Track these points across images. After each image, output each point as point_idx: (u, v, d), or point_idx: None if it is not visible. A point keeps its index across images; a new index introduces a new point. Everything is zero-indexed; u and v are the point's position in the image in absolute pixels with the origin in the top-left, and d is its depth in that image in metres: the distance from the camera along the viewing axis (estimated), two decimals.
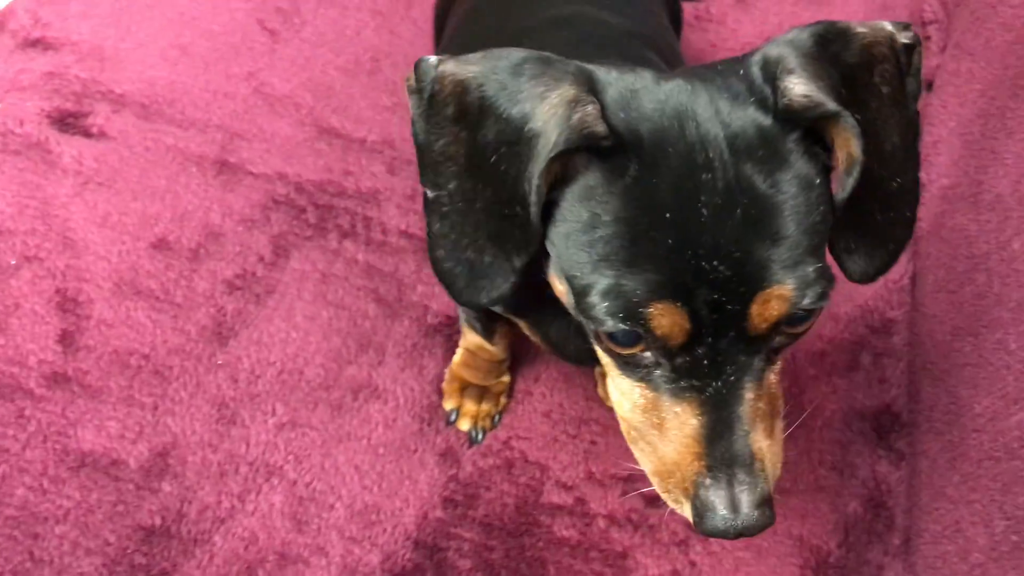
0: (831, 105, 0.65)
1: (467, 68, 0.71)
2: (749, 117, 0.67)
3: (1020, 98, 1.35)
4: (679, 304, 0.66)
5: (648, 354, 0.71)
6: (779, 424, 0.76)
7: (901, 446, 1.31)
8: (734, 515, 0.70)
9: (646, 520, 1.23)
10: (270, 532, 1.18)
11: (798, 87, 0.66)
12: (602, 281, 0.67)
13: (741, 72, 0.69)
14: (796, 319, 0.69)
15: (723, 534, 0.72)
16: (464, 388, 1.29)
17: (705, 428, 0.71)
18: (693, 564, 1.20)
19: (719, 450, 0.70)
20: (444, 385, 1.31)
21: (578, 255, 0.69)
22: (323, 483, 1.22)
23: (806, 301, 0.67)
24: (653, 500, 1.24)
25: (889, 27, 0.71)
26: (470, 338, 1.26)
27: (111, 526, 1.17)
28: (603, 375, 1.25)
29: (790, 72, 0.66)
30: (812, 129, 0.69)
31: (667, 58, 1.11)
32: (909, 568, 1.21)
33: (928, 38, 1.84)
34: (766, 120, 0.67)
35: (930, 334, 1.34)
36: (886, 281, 1.45)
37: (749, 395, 0.70)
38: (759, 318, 0.67)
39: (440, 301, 1.38)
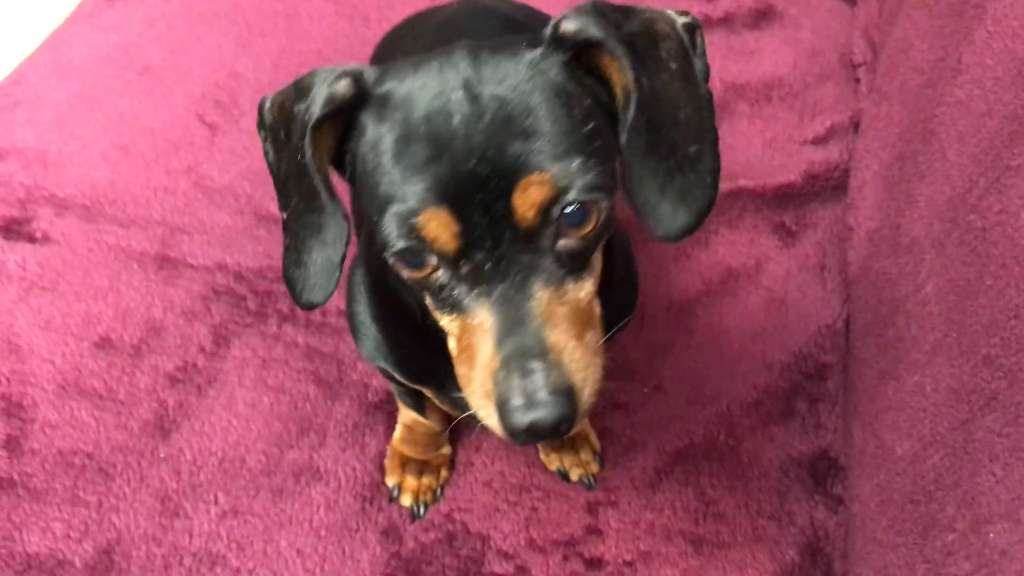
0: (597, 32, 0.74)
1: (282, 91, 0.81)
2: (513, 53, 0.75)
3: (930, 141, 1.38)
4: (445, 207, 0.71)
5: (440, 273, 0.76)
6: (591, 334, 0.78)
7: (838, 491, 1.32)
8: (528, 404, 0.71)
9: None
10: None
11: (570, 22, 0.75)
12: (385, 208, 0.73)
13: (531, 37, 0.78)
14: (573, 217, 0.74)
15: (521, 429, 0.72)
16: (405, 463, 1.32)
17: (497, 327, 0.73)
18: None
19: (510, 344, 0.72)
20: (385, 461, 1.34)
21: (372, 200, 0.76)
22: (266, 569, 1.24)
23: (572, 193, 0.72)
24: (593, 562, 1.26)
25: (669, 12, 0.79)
26: (406, 413, 1.28)
27: None
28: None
29: (567, 17, 0.75)
30: (591, 69, 0.77)
31: None
32: None
33: (858, 80, 1.89)
34: (532, 53, 0.75)
35: (860, 377, 1.36)
36: (819, 326, 1.48)
37: (541, 294, 0.74)
38: (523, 206, 0.71)
39: (380, 378, 1.41)
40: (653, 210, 0.77)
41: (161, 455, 1.32)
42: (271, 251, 1.54)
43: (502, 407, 0.72)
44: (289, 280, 0.84)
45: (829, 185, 1.68)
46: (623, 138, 0.75)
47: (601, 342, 0.79)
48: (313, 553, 1.25)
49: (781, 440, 1.36)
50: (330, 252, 0.80)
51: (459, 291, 0.76)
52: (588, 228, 0.75)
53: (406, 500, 1.30)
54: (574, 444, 1.33)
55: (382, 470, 1.33)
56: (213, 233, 1.56)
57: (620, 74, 0.75)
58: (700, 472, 1.33)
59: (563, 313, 0.75)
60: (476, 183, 0.71)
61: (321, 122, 0.76)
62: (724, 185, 1.66)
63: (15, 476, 1.30)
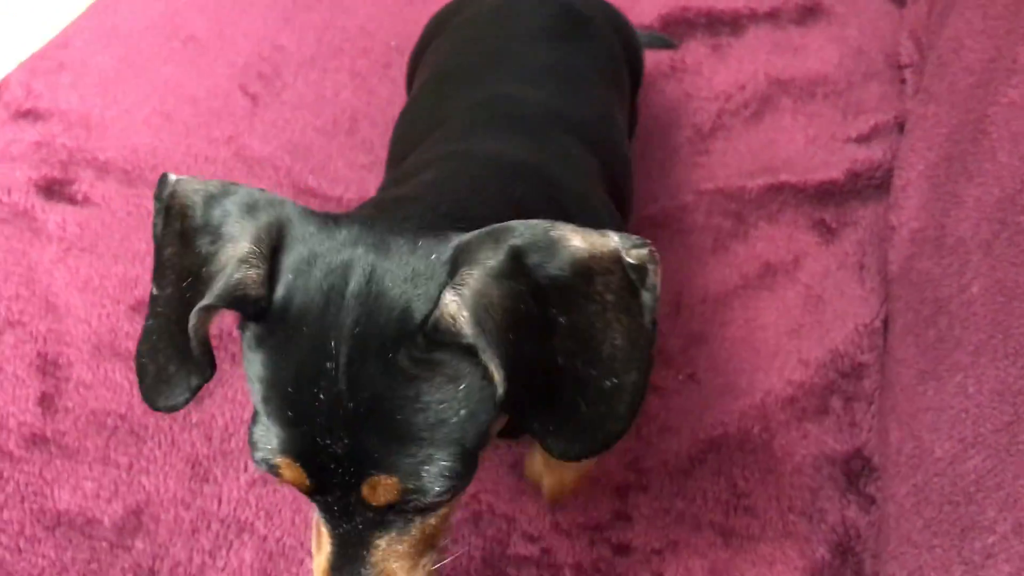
0: (470, 336, 0.65)
1: (194, 193, 0.74)
2: (398, 317, 0.68)
3: (980, 142, 1.37)
4: (299, 464, 0.71)
5: None
6: (430, 558, 0.80)
7: (871, 491, 1.31)
8: None
9: (613, 569, 1.23)
10: None
11: (448, 309, 0.66)
12: (253, 427, 0.73)
13: (433, 257, 0.70)
14: (426, 504, 0.73)
15: None
16: None
17: (332, 558, 0.77)
18: None
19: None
20: None
21: (251, 389, 0.74)
22: (293, 538, 1.24)
23: (421, 496, 0.71)
24: (621, 548, 1.25)
25: (614, 243, 0.70)
26: None
27: None
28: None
29: (457, 288, 0.66)
30: None
31: (597, 146, 1.15)
32: None
33: (903, 81, 1.87)
34: (412, 324, 0.68)
35: (898, 377, 1.34)
36: (857, 325, 1.46)
37: (379, 542, 0.75)
38: (371, 498, 0.72)
39: None
40: (547, 436, 0.74)
41: (193, 420, 1.32)
42: None
43: None
44: (138, 367, 0.79)
45: (871, 184, 1.66)
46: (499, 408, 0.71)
47: (435, 565, 0.81)
48: None
49: (815, 437, 1.35)
50: (190, 380, 0.77)
51: (313, 503, 0.77)
52: (442, 501, 0.75)
53: None
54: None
55: None
56: None
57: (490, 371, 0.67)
58: (733, 463, 1.32)
59: (401, 551, 0.77)
60: (331, 456, 0.70)
61: (214, 307, 0.70)
62: (764, 179, 1.65)
63: (48, 433, 1.31)
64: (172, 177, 0.76)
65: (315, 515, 0.80)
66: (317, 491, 0.73)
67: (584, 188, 1.07)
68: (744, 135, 1.76)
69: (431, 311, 0.67)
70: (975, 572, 1.03)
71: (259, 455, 0.73)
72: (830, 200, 1.64)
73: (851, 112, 1.80)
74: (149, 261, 1.48)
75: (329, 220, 0.73)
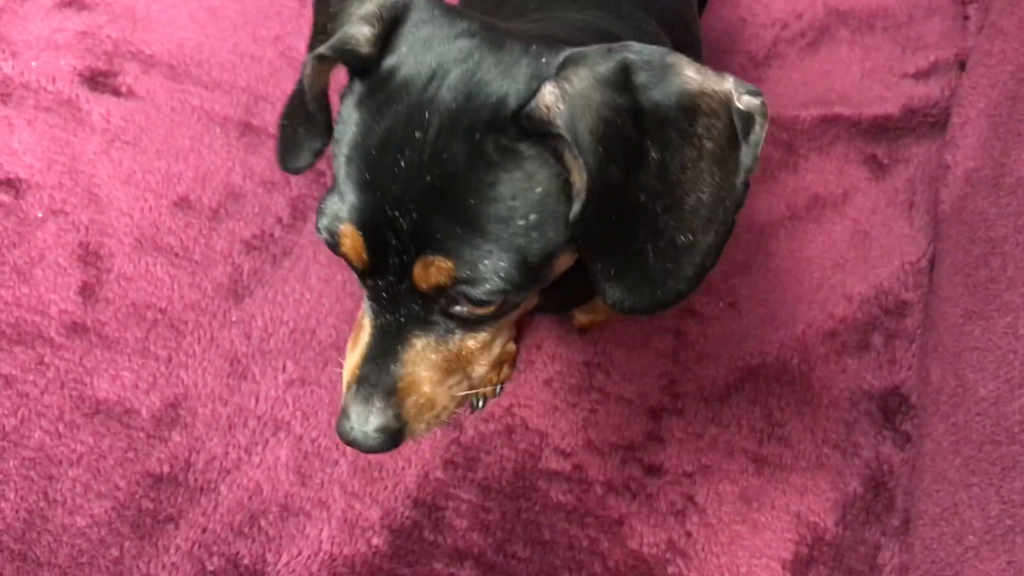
0: (561, 128, 0.65)
1: None
2: (494, 103, 0.68)
3: None
4: (362, 234, 0.71)
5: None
6: (460, 382, 0.79)
7: (907, 428, 1.30)
8: (352, 426, 0.76)
9: (644, 489, 1.24)
10: (274, 484, 1.21)
11: (545, 99, 0.65)
12: (326, 197, 0.73)
13: (543, 60, 0.69)
14: (471, 299, 0.72)
15: (344, 439, 0.77)
16: None
17: (368, 347, 0.76)
18: (689, 534, 1.21)
19: (368, 369, 0.76)
20: None
21: (335, 158, 0.74)
22: (328, 440, 1.25)
23: (469, 287, 0.70)
24: (652, 469, 1.25)
25: (729, 84, 0.68)
26: None
27: (121, 471, 1.21)
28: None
29: (560, 82, 0.65)
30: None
31: (674, 29, 1.11)
32: (906, 549, 1.20)
33: (967, 18, 1.81)
34: (507, 111, 0.67)
35: (943, 316, 1.32)
36: (903, 263, 1.44)
37: (416, 341, 0.75)
38: (420, 278, 0.71)
39: None
40: (607, 282, 0.71)
41: (233, 318, 1.33)
42: None
43: (342, 411, 0.78)
44: (281, 129, 0.83)
45: (927, 121, 1.62)
46: (573, 228, 0.69)
47: (463, 392, 0.80)
48: None
49: (854, 372, 1.34)
50: (312, 143, 0.79)
51: (364, 289, 0.76)
52: (487, 310, 0.74)
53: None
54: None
55: None
56: None
57: (574, 170, 0.67)
58: (769, 393, 1.31)
59: (433, 361, 0.76)
60: (394, 231, 0.69)
61: (326, 58, 0.72)
62: (818, 110, 1.61)
63: (88, 323, 1.31)
64: None
65: (360, 312, 0.79)
66: (371, 271, 0.73)
67: None
68: (799, 65, 1.71)
69: (528, 102, 0.66)
70: (1013, 511, 1.03)
71: (324, 221, 0.72)
72: (883, 135, 1.60)
73: (910, 47, 1.74)
74: (193, 158, 1.47)
75: (453, 12, 0.73)
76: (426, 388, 0.77)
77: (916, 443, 1.28)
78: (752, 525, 1.22)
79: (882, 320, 1.39)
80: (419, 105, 0.68)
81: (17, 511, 1.18)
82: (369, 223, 0.70)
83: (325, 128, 0.77)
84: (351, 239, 0.71)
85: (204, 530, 1.17)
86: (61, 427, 1.23)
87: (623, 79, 0.65)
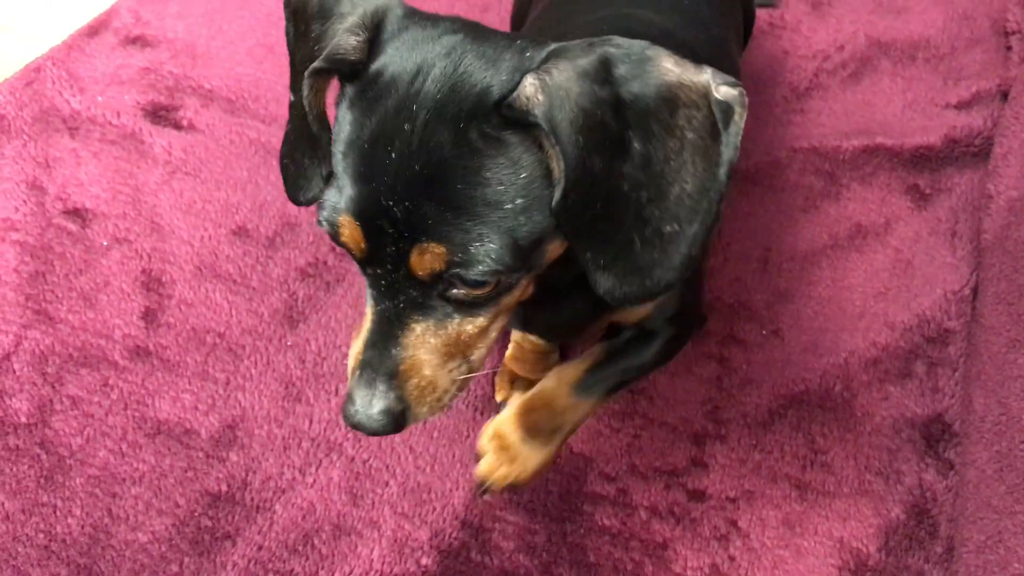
0: (539, 117, 0.67)
1: None
2: (478, 93, 0.71)
3: None
4: (359, 224, 0.74)
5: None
6: (459, 366, 0.82)
7: (951, 456, 1.30)
8: (357, 409, 0.79)
9: (688, 514, 1.26)
10: (327, 504, 1.24)
11: (526, 90, 0.68)
12: (327, 192, 0.77)
13: (527, 55, 0.72)
14: (468, 282, 0.75)
15: (350, 422, 0.80)
16: (514, 380, 1.34)
17: (370, 333, 0.79)
18: (732, 559, 1.22)
19: (371, 354, 0.79)
20: (496, 378, 1.36)
21: (333, 156, 0.77)
22: (379, 461, 1.28)
23: (465, 270, 0.73)
24: (696, 494, 1.27)
25: (706, 75, 0.70)
26: (516, 331, 1.30)
27: (181, 490, 1.25)
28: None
29: (540, 74, 0.68)
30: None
31: (704, 59, 1.14)
32: None
33: (1010, 48, 1.82)
34: (490, 100, 0.70)
35: (986, 345, 1.33)
36: (945, 291, 1.45)
37: (415, 326, 0.78)
38: (416, 264, 0.74)
39: None
40: (598, 271, 0.74)
41: (288, 343, 1.37)
42: None
43: (347, 396, 0.81)
44: (283, 169, 0.86)
45: (969, 151, 1.63)
46: (556, 215, 0.72)
47: (463, 375, 0.82)
48: (424, 452, 1.29)
49: (896, 400, 1.35)
50: (321, 169, 0.81)
51: (365, 278, 0.79)
52: (483, 291, 0.77)
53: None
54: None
55: (494, 385, 1.36)
56: None
57: (554, 158, 0.70)
58: (812, 420, 1.33)
59: (433, 344, 0.79)
60: (390, 220, 0.72)
61: (321, 71, 0.76)
62: (860, 140, 1.63)
63: (151, 347, 1.37)
64: None
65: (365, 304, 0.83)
66: (369, 259, 0.76)
67: None
68: (840, 96, 1.74)
69: (510, 92, 0.70)
70: None
71: (324, 214, 0.76)
72: (925, 165, 1.61)
73: (952, 78, 1.76)
74: (250, 188, 1.53)
75: (432, 16, 0.78)
76: (427, 371, 0.79)
77: (959, 471, 1.28)
78: (795, 550, 1.23)
79: (924, 348, 1.40)
80: (406, 99, 0.72)
81: (83, 527, 1.23)
82: (365, 213, 0.73)
83: (329, 150, 0.80)
84: (349, 229, 0.75)
85: (260, 548, 1.21)
86: (124, 447, 1.29)
87: (603, 72, 0.68)
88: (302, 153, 0.83)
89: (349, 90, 0.76)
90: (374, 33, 0.76)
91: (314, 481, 1.27)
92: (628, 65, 0.69)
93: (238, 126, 1.59)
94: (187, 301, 1.41)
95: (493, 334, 0.84)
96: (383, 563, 1.20)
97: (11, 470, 1.27)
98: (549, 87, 0.67)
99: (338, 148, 0.76)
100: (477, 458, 1.11)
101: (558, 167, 0.69)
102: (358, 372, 0.80)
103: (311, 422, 1.31)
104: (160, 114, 1.61)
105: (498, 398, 1.35)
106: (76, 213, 1.49)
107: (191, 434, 1.30)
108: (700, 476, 1.29)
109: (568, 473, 1.29)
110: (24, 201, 1.50)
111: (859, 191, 1.58)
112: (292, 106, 0.84)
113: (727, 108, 0.70)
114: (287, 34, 0.84)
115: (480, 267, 0.72)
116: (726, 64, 1.25)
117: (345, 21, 0.76)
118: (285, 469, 1.28)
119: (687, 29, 1.18)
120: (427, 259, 0.73)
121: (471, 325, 0.80)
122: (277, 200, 1.51)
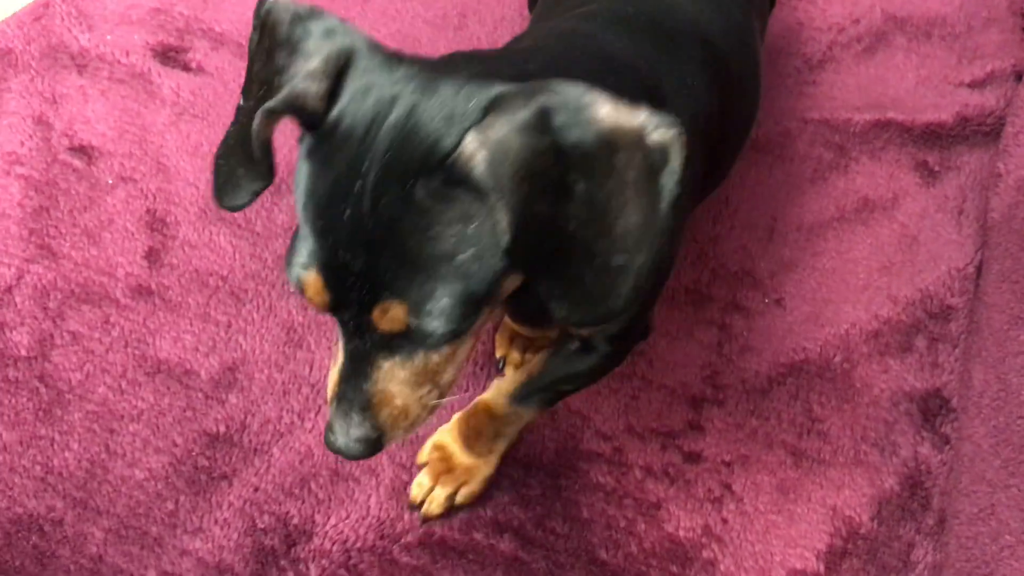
0: (481, 177, 0.69)
1: (284, 12, 0.79)
2: (425, 150, 0.71)
3: None
4: (321, 277, 0.75)
5: None
6: (429, 392, 0.85)
7: (947, 431, 1.31)
8: (335, 437, 0.84)
9: (683, 475, 1.26)
10: (325, 449, 1.25)
11: (469, 146, 0.69)
12: (291, 244, 0.78)
13: (471, 104, 0.72)
14: (428, 336, 0.77)
15: (328, 446, 0.86)
16: (513, 339, 1.34)
17: (343, 369, 0.82)
18: (725, 521, 1.23)
19: (345, 388, 0.83)
20: (496, 335, 1.36)
21: (296, 203, 0.79)
22: None
23: (427, 329, 0.75)
24: (691, 456, 1.28)
25: (639, 120, 0.71)
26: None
27: (179, 429, 1.26)
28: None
29: (481, 131, 0.69)
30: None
31: (724, 51, 1.14)
32: (940, 548, 1.22)
33: None
34: (436, 158, 0.71)
35: (988, 322, 1.33)
36: (950, 268, 1.45)
37: (383, 363, 0.81)
38: (380, 322, 0.76)
39: None
40: (551, 299, 0.76)
41: (291, 289, 1.37)
42: None
43: (327, 424, 0.86)
44: (216, 168, 0.85)
45: (980, 130, 1.63)
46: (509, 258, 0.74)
47: (442, 395, 0.86)
48: None
49: (896, 373, 1.35)
50: (253, 185, 0.83)
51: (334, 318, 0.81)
52: (442, 341, 0.79)
53: (510, 371, 1.33)
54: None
55: (494, 342, 1.36)
56: None
57: (500, 211, 0.71)
58: (811, 389, 1.33)
59: (402, 376, 0.82)
60: (350, 275, 0.74)
61: (276, 112, 0.75)
62: (871, 115, 1.63)
63: (153, 286, 1.36)
64: (271, 3, 0.81)
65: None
66: (334, 307, 0.77)
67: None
68: (854, 69, 1.73)
69: (455, 149, 0.70)
70: None
71: (292, 271, 0.78)
72: (936, 142, 1.61)
73: (967, 56, 1.75)
74: None
75: (393, 59, 0.77)
76: (398, 401, 0.83)
77: (955, 445, 1.29)
78: (788, 516, 1.24)
79: (926, 323, 1.40)
80: (358, 155, 0.72)
81: (80, 461, 1.23)
82: (326, 267, 0.75)
83: (267, 171, 0.82)
84: (313, 283, 0.76)
85: (256, 489, 1.22)
86: (124, 384, 1.29)
87: (542, 123, 0.69)
88: (237, 161, 0.83)
89: (308, 138, 0.77)
90: (336, 80, 0.76)
91: (312, 427, 1.27)
92: (566, 114, 0.69)
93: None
94: (191, 243, 1.40)
95: (462, 356, 0.86)
96: (380, 509, 1.21)
97: (10, 402, 1.27)
98: (490, 143, 0.68)
99: (299, 195, 0.77)
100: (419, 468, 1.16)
101: (504, 219, 0.70)
102: (335, 403, 0.84)
103: (311, 368, 1.31)
104: (169, 55, 1.60)
105: (497, 355, 1.35)
106: (82, 150, 1.49)
107: (191, 375, 1.30)
108: (696, 439, 1.29)
109: (564, 431, 1.30)
110: (30, 136, 1.49)
111: (868, 165, 1.58)
112: (239, 111, 0.84)
113: (662, 149, 0.71)
114: (250, 41, 0.83)
115: (438, 322, 0.75)
116: (744, 54, 1.22)
117: (309, 62, 0.76)
118: (284, 413, 1.28)
119: (712, 17, 1.16)
120: (387, 318, 0.75)
121: (437, 355, 0.82)
122: (284, 147, 1.48)
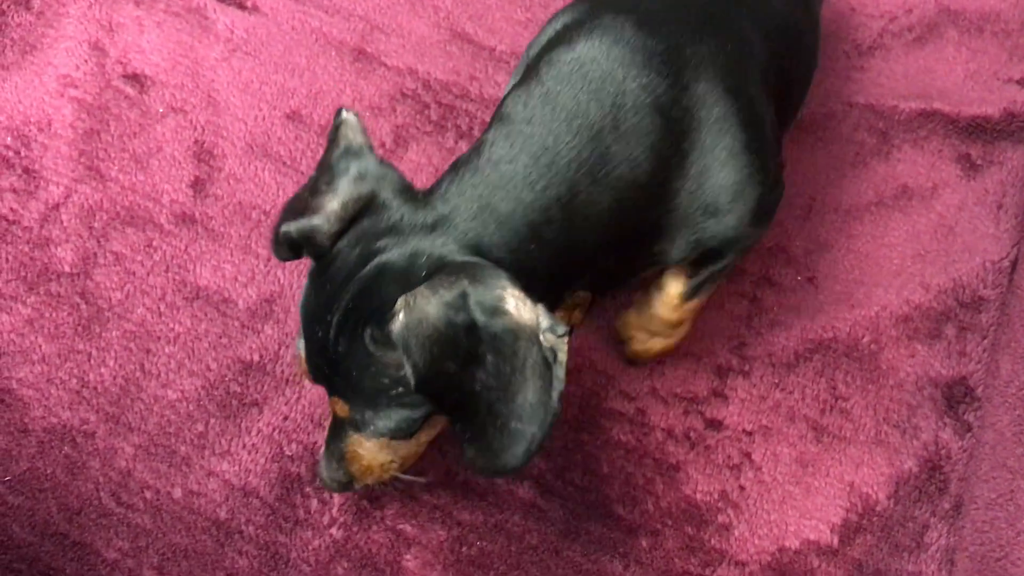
0: (395, 334, 0.83)
1: (343, 139, 0.97)
2: (376, 307, 0.86)
3: None
4: (306, 363, 0.98)
5: None
6: (391, 462, 1.04)
7: (969, 418, 1.32)
8: (321, 471, 1.07)
9: (703, 440, 1.28)
10: None
11: (396, 308, 0.83)
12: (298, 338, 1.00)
13: (423, 273, 0.87)
14: (376, 431, 0.96)
15: (318, 476, 1.12)
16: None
17: (330, 429, 1.04)
18: (742, 488, 1.25)
19: (330, 440, 1.04)
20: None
21: None
22: None
23: (368, 433, 0.97)
24: (713, 423, 1.29)
25: (535, 319, 0.83)
26: None
27: (214, 355, 1.28)
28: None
29: (408, 298, 0.82)
30: None
31: (778, 34, 1.19)
32: (955, 532, 1.23)
33: None
34: (381, 314, 0.85)
35: (1020, 315, 1.33)
36: (984, 261, 1.45)
37: (352, 434, 0.99)
38: (336, 409, 0.98)
39: None
40: (466, 444, 0.88)
41: None
42: (460, 68, 1.57)
43: (318, 462, 1.09)
44: (275, 230, 0.98)
45: None
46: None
47: (402, 467, 1.06)
48: None
49: (923, 358, 1.36)
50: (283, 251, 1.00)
51: None
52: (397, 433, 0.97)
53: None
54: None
55: None
56: (409, 38, 1.59)
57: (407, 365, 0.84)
58: (837, 367, 1.34)
59: (367, 446, 1.00)
60: (323, 371, 0.95)
61: (289, 236, 0.94)
62: (917, 104, 1.62)
63: (197, 215, 1.39)
64: (343, 114, 0.98)
65: None
66: (317, 382, 0.99)
67: (735, 85, 1.06)
68: (903, 58, 1.72)
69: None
70: None
71: (298, 342, 0.99)
72: (980, 136, 1.60)
73: (1018, 54, 1.74)
74: (307, 76, 1.54)
75: (405, 205, 0.93)
76: (364, 461, 1.02)
77: (976, 434, 1.30)
78: (805, 488, 1.25)
79: (957, 312, 1.40)
80: (333, 295, 0.89)
81: (115, 377, 1.26)
82: (308, 358, 0.96)
83: (287, 257, 0.98)
84: (301, 362, 0.98)
85: (286, 418, 1.24)
86: (162, 307, 1.31)
87: (460, 302, 0.82)
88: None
89: (313, 262, 0.95)
90: (349, 224, 0.93)
91: None
92: (480, 304, 0.82)
93: (301, 13, 1.59)
94: (236, 176, 1.43)
95: (423, 439, 1.04)
96: None
97: (51, 315, 1.29)
98: (412, 309, 0.82)
99: (300, 300, 0.96)
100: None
101: (408, 369, 0.83)
102: (324, 448, 1.05)
103: None
104: None
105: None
106: (135, 78, 1.51)
107: (228, 303, 1.32)
108: (719, 406, 1.31)
109: (588, 388, 1.31)
110: (85, 60, 1.52)
111: (910, 153, 1.57)
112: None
113: (550, 350, 0.83)
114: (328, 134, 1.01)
115: (375, 430, 0.95)
116: (744, 77, 1.12)
117: (334, 201, 0.92)
118: None
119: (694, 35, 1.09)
120: (340, 408, 0.96)
121: (395, 440, 1.00)
122: (332, 90, 1.52)
